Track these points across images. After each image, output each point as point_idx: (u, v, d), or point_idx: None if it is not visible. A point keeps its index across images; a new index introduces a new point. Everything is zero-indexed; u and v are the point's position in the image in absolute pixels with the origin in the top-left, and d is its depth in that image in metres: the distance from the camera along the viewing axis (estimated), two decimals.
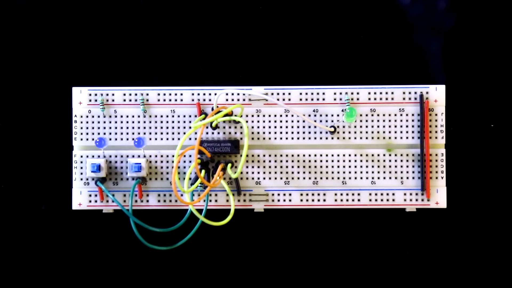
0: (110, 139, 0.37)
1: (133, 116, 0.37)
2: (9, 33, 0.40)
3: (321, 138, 0.37)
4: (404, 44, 0.39)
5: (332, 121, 0.37)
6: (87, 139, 0.37)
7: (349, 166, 0.37)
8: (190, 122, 0.37)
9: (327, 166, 0.37)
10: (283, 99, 0.37)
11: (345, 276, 0.39)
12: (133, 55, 0.40)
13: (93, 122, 0.37)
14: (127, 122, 0.37)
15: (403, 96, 0.37)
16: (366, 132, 0.37)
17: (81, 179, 0.37)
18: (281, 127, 0.37)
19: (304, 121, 0.37)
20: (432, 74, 0.39)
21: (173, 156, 0.37)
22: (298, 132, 0.37)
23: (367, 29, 0.39)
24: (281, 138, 0.37)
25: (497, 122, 0.39)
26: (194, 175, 0.37)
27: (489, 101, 0.39)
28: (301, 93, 0.37)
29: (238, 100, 0.37)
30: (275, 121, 0.37)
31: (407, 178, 0.37)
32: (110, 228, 0.39)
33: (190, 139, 0.37)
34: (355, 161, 0.37)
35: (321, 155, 0.37)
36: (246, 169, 0.37)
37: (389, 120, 0.37)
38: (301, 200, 0.37)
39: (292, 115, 0.37)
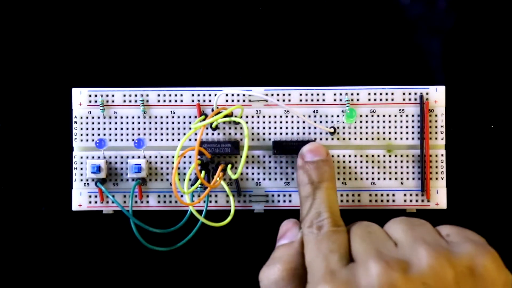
0: (110, 140, 0.37)
1: (133, 117, 0.37)
2: (9, 34, 0.40)
3: (321, 139, 0.37)
4: (404, 44, 0.39)
5: (332, 122, 0.37)
6: (87, 140, 0.37)
7: (349, 167, 0.37)
8: (190, 123, 0.37)
9: None
10: (283, 100, 0.37)
11: None
12: (133, 56, 0.40)
13: (93, 123, 0.37)
14: (127, 123, 0.37)
15: (403, 97, 0.37)
16: (366, 133, 0.37)
17: (81, 180, 0.37)
18: (281, 128, 0.37)
19: (304, 122, 0.37)
20: (432, 75, 0.39)
21: (173, 157, 0.37)
22: (298, 133, 0.37)
23: (367, 30, 0.39)
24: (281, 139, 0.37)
25: (497, 123, 0.39)
26: (194, 176, 0.37)
27: (489, 102, 0.39)
28: (301, 94, 0.37)
29: (238, 101, 0.37)
30: (275, 122, 0.37)
31: (407, 178, 0.37)
32: (110, 229, 0.39)
33: (190, 140, 0.37)
34: (355, 161, 0.37)
35: None
36: (246, 170, 0.37)
37: (389, 121, 0.37)
38: None
39: (292, 116, 0.37)
